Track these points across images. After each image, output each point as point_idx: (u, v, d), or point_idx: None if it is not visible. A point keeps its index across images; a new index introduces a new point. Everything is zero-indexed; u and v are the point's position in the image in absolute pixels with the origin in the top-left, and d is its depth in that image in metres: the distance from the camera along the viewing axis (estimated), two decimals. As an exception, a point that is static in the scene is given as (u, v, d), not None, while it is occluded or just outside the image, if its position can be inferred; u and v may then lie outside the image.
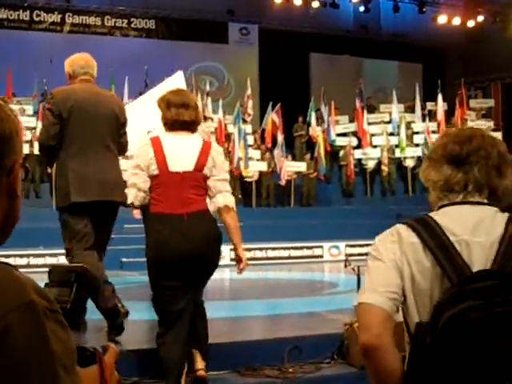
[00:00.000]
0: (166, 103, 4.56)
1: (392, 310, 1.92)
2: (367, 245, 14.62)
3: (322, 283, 11.27)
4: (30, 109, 17.05)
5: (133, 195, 4.50)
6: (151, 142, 4.49)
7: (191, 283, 4.49)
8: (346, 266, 5.46)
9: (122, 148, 5.53)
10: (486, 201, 2.00)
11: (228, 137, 17.81)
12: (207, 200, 4.59)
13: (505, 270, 1.83)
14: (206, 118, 18.52)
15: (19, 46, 20.44)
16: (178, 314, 4.38)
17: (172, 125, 4.54)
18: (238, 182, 17.38)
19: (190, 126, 4.56)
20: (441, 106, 19.29)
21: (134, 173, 4.49)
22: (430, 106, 20.54)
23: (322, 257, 14.90)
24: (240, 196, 17.69)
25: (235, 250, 4.77)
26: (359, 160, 19.18)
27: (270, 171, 17.75)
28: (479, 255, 1.88)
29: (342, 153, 19.16)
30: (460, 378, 1.74)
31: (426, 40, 23.41)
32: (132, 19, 22.89)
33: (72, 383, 1.14)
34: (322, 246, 14.94)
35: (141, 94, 19.63)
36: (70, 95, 5.40)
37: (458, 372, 1.74)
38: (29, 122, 16.38)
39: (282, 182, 17.46)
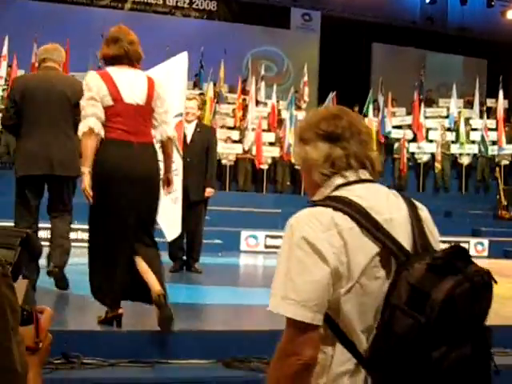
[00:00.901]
0: (112, 39, 4.87)
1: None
2: None
3: None
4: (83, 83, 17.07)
5: (93, 122, 4.62)
6: (100, 76, 4.76)
7: (137, 217, 4.66)
8: None
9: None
10: (371, 175, 2.04)
11: (281, 122, 17.56)
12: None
13: (430, 244, 1.87)
14: (258, 103, 18.36)
15: (80, 22, 20.60)
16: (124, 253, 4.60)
17: (118, 59, 4.83)
18: (288, 169, 17.14)
19: (128, 61, 4.85)
20: (501, 103, 18.56)
21: (91, 104, 4.65)
22: (490, 102, 19.83)
23: None
24: (289, 183, 17.47)
25: (168, 173, 5.02)
26: (413, 154, 18.67)
27: (320, 160, 17.40)
28: (401, 232, 1.87)
29: (396, 145, 18.69)
30: (445, 347, 1.72)
31: (493, 35, 22.62)
32: (194, 0, 22.79)
33: (17, 343, 1.19)
34: None
35: (196, 75, 19.73)
36: (23, 82, 6.40)
37: (443, 343, 1.72)
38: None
39: (333, 172, 17.12)
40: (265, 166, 16.70)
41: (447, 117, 19.05)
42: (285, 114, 17.46)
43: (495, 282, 1.78)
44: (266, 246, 13.03)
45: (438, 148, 18.03)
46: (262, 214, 14.05)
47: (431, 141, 18.54)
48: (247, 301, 7.09)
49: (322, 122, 2.03)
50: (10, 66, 18.03)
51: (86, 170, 4.61)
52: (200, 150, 8.31)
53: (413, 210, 1.97)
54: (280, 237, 13.09)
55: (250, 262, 11.96)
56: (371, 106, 18.73)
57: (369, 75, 23.24)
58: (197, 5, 22.85)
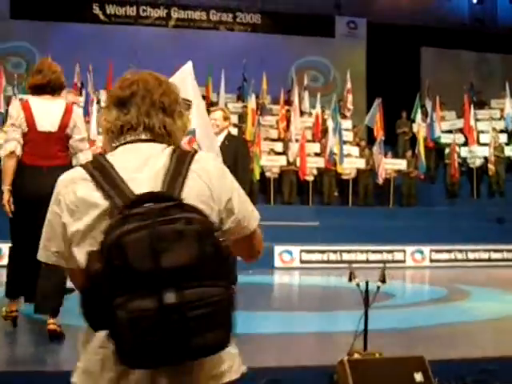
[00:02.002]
0: (37, 70, 5.35)
1: None
2: (456, 250, 13.63)
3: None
4: (126, 102, 17.10)
5: (14, 146, 5.14)
6: (21, 105, 5.28)
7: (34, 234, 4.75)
8: (350, 279, 4.31)
9: None
10: (149, 137, 2.04)
11: (326, 132, 17.21)
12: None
13: (176, 196, 1.87)
14: (302, 113, 18.09)
15: (124, 41, 20.74)
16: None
17: (42, 88, 5.28)
18: (334, 179, 16.77)
19: (50, 90, 5.29)
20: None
21: (12, 129, 5.21)
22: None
23: (403, 261, 13.57)
24: (336, 194, 17.09)
25: None
26: (465, 158, 18.04)
27: (368, 169, 16.98)
28: (146, 189, 1.88)
29: (447, 150, 18.09)
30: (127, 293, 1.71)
31: (546, 33, 21.79)
32: (237, 13, 22.71)
33: None
34: (404, 251, 13.64)
35: (239, 88, 19.60)
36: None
37: (126, 292, 1.71)
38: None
39: (380, 181, 16.63)
40: (310, 178, 16.35)
41: (500, 118, 18.38)
42: (329, 124, 17.11)
43: (210, 235, 1.77)
44: (302, 262, 12.50)
45: (490, 151, 17.37)
46: (299, 227, 13.55)
47: (483, 144, 17.89)
48: (286, 328, 6.55)
49: (116, 88, 2.09)
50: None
51: (5, 188, 5.17)
52: (228, 162, 7.97)
53: (178, 166, 1.97)
54: (317, 251, 12.66)
55: (284, 280, 11.35)
56: (419, 111, 18.20)
57: (418, 80, 22.65)
58: (240, 19, 22.77)
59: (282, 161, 16.43)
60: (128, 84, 2.07)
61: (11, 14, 21.56)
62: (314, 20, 22.43)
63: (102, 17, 21.87)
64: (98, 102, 17.01)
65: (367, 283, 4.07)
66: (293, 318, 7.09)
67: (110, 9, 21.86)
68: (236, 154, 8.02)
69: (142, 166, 1.96)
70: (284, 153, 16.68)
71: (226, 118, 8.11)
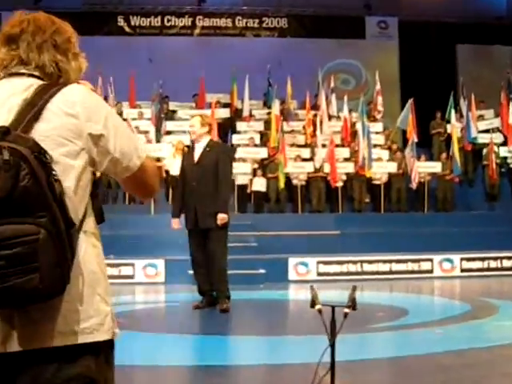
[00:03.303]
0: None
1: None
2: (490, 258, 12.57)
3: (389, 310, 8.13)
4: (148, 112, 16.69)
5: None
6: None
7: None
8: (312, 305, 3.43)
9: None
10: (33, 73, 1.93)
11: (355, 136, 16.50)
12: None
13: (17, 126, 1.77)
14: (330, 117, 17.41)
15: (148, 51, 20.42)
16: None
17: None
18: (365, 185, 16.01)
19: None
20: None
21: None
22: None
23: (431, 272, 12.34)
24: (368, 200, 16.33)
25: None
26: (505, 158, 17.07)
27: (400, 173, 16.17)
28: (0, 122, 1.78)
29: (485, 151, 17.15)
30: None
31: None
32: (264, 18, 22.18)
33: None
34: (431, 260, 12.38)
35: (265, 94, 19.01)
36: None
37: None
38: (145, 126, 15.99)
39: (413, 185, 15.77)
40: (339, 184, 15.62)
41: (540, 116, 17.37)
42: (358, 127, 16.38)
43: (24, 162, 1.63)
44: (319, 274, 11.54)
45: (530, 150, 16.41)
46: (318, 236, 12.66)
47: (524, 143, 16.90)
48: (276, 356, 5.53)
49: (8, 26, 1.99)
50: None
51: None
52: (209, 171, 7.44)
53: (35, 99, 1.82)
54: (335, 262, 11.75)
55: (296, 296, 10.24)
56: (453, 111, 17.32)
57: (453, 78, 21.71)
58: (267, 23, 22.24)
59: (308, 167, 15.75)
60: (18, 22, 1.98)
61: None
62: (344, 21, 21.82)
63: (126, 29, 21.60)
64: (121, 113, 16.62)
65: (333, 309, 3.37)
66: (288, 343, 6.17)
67: (135, 20, 21.59)
68: (217, 162, 7.50)
69: (5, 100, 1.86)
70: (311, 159, 16.01)
71: (203, 124, 7.60)
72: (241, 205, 15.32)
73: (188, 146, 7.90)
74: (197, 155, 7.56)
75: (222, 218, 7.31)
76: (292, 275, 11.40)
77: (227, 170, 7.66)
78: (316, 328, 3.38)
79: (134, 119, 16.27)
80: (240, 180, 15.39)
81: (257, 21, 22.14)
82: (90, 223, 1.86)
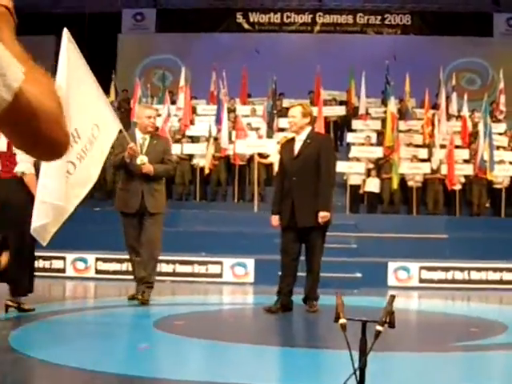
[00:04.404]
0: None
1: None
2: None
3: (488, 325, 6.70)
4: (260, 109, 16.49)
5: None
6: None
7: None
8: (336, 319, 2.76)
9: None
10: None
11: (476, 137, 15.60)
12: None
13: None
14: (450, 117, 16.61)
15: (266, 48, 20.28)
16: None
17: None
18: (485, 189, 15.09)
19: None
20: None
21: None
22: None
23: None
24: (488, 205, 15.38)
25: None
26: None
27: (525, 177, 15.12)
28: None
29: None
30: None
31: None
32: (386, 15, 21.54)
33: None
34: None
35: (383, 92, 18.37)
36: None
37: None
38: (256, 123, 15.78)
39: (538, 190, 14.71)
40: (457, 187, 14.79)
41: None
42: (480, 128, 15.47)
43: None
44: (421, 281, 10.48)
45: None
46: (422, 240, 11.77)
47: None
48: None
49: None
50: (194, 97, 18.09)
51: None
52: (310, 165, 6.94)
53: None
54: (440, 268, 10.61)
55: (396, 305, 9.02)
56: None
57: None
58: (389, 20, 21.59)
59: (425, 168, 15.01)
60: None
61: (156, 29, 21.91)
62: (470, 18, 20.81)
63: (245, 25, 21.60)
64: (234, 110, 16.53)
65: (364, 325, 2.78)
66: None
67: (254, 17, 21.54)
68: (319, 154, 6.97)
69: None
70: (428, 159, 15.27)
71: (305, 115, 7.10)
72: (353, 205, 14.83)
73: (292, 139, 7.36)
74: (297, 148, 7.07)
75: (323, 216, 6.76)
76: (391, 281, 10.50)
77: (330, 164, 7.11)
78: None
79: (246, 116, 16.14)
80: (353, 180, 14.90)
81: (379, 18, 21.54)
82: None
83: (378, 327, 2.66)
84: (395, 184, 14.51)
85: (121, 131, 7.04)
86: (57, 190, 6.00)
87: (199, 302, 8.53)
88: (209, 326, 6.37)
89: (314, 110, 15.21)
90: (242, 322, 6.84)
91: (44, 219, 5.96)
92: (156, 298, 7.54)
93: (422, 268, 10.57)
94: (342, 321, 2.82)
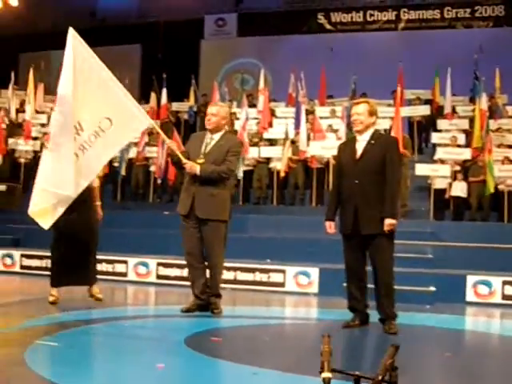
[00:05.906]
0: None
1: None
2: None
3: None
4: (339, 110, 15.78)
5: None
6: None
7: None
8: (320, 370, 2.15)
9: None
10: None
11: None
12: None
13: None
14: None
15: (348, 47, 19.63)
16: None
17: None
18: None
19: None
20: None
21: None
22: None
23: None
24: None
25: None
26: None
27: None
28: None
29: None
30: None
31: None
32: (476, 7, 20.35)
33: None
34: None
35: (471, 90, 17.27)
36: None
37: None
38: (337, 124, 15.11)
39: None
40: (554, 192, 13.56)
41: None
42: None
43: None
44: (505, 297, 9.18)
45: None
46: (507, 251, 10.49)
47: None
48: None
49: None
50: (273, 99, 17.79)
51: None
52: (374, 168, 6.24)
53: None
54: None
55: (475, 325, 7.78)
56: None
57: None
58: (480, 12, 20.38)
59: (518, 171, 13.87)
60: None
61: (238, 33, 21.74)
62: None
63: (327, 26, 20.98)
64: (313, 112, 15.92)
65: (357, 382, 2.12)
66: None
67: (336, 17, 20.90)
68: (384, 155, 6.26)
69: None
70: (522, 161, 14.12)
71: (371, 113, 6.39)
72: (437, 212, 13.87)
73: (353, 139, 6.65)
74: (360, 149, 6.38)
75: (389, 223, 6.05)
76: (470, 296, 9.27)
77: (396, 167, 6.39)
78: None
79: (325, 117, 15.54)
80: (438, 184, 13.95)
81: (468, 10, 20.38)
82: None
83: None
84: (491, 187, 13.40)
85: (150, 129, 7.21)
86: (62, 180, 6.34)
87: (250, 314, 7.71)
88: (248, 345, 5.46)
89: (392, 111, 14.55)
90: (287, 342, 5.80)
91: (44, 204, 6.41)
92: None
93: (505, 283, 9.33)
94: (326, 375, 2.24)
